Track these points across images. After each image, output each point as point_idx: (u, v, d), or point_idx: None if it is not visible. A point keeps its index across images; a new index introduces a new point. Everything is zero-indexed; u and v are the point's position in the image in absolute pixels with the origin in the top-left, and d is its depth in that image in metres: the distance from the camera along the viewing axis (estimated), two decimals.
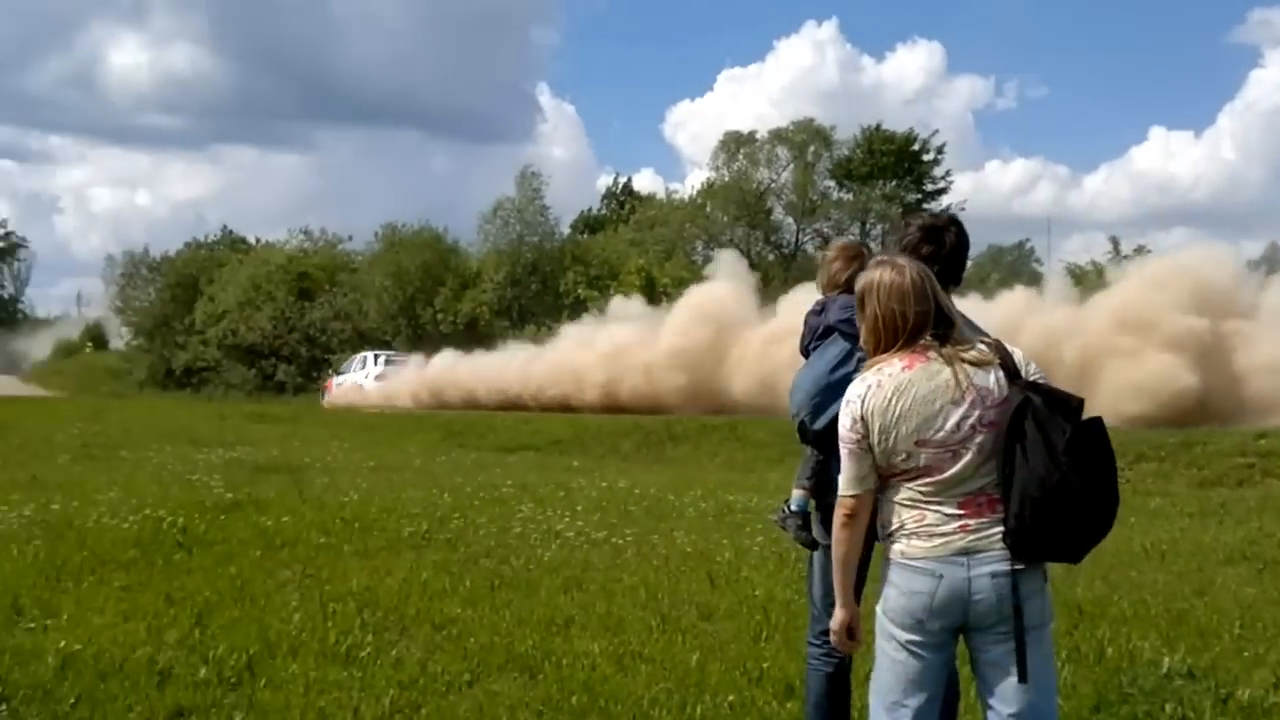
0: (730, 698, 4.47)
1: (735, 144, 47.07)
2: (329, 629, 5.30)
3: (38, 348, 73.51)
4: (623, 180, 60.26)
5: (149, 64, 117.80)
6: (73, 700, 4.18)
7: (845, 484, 2.72)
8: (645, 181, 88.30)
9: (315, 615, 5.55)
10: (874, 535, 2.82)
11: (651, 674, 4.81)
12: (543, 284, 41.84)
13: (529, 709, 4.37)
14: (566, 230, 48.66)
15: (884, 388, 2.65)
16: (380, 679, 4.63)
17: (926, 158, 47.37)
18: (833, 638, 2.88)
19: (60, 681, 4.39)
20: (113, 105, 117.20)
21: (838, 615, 2.83)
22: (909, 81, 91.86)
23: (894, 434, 2.63)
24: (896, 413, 2.62)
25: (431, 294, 41.32)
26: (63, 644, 4.82)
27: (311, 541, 7.52)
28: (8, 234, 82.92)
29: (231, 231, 60.14)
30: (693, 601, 6.15)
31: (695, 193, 48.62)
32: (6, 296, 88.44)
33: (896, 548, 2.69)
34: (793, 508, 3.63)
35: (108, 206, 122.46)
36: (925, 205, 44.17)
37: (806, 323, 3.69)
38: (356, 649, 5.00)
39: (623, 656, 5.05)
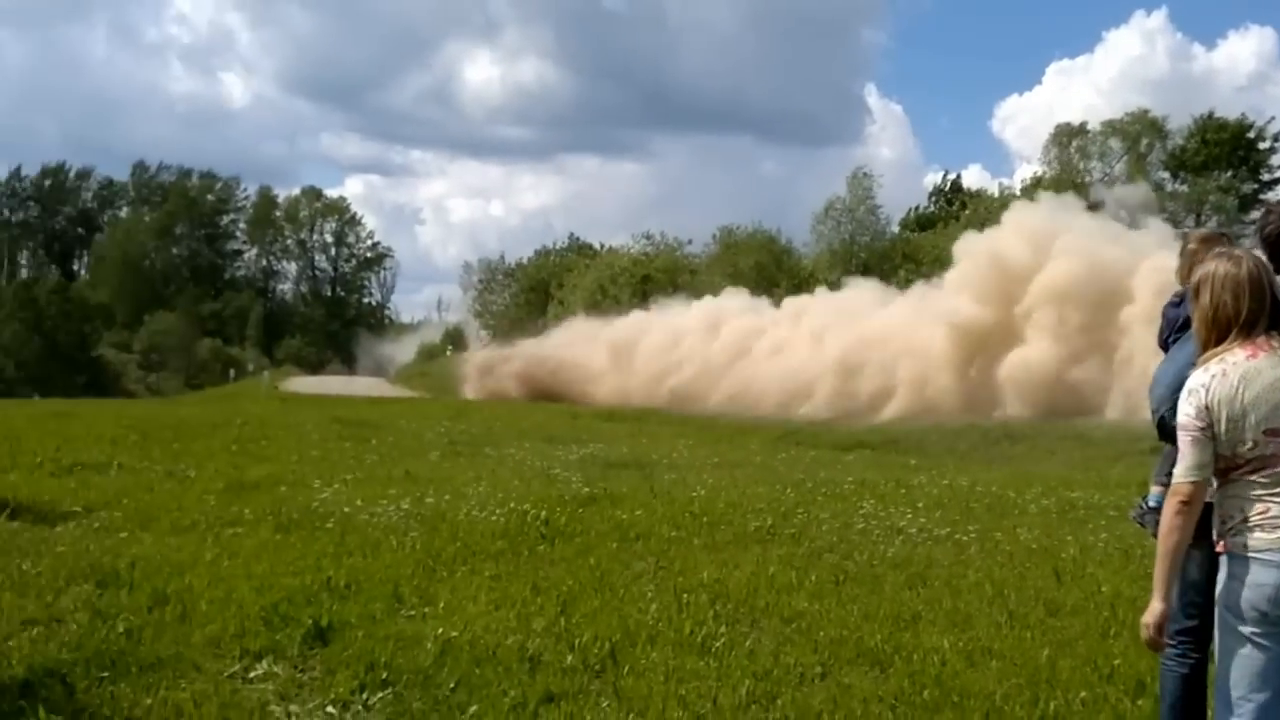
0: (1082, 694, 4.38)
1: (1067, 136, 46.20)
2: (684, 620, 5.51)
3: (402, 351, 77.67)
4: (950, 177, 58.64)
5: (500, 78, 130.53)
6: (452, 685, 4.46)
7: (1183, 471, 2.70)
8: (973, 178, 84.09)
9: (670, 606, 5.79)
10: None
11: (1002, 670, 4.75)
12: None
13: (882, 702, 4.36)
14: (896, 229, 47.96)
15: (1229, 376, 2.64)
16: (736, 669, 4.74)
17: (1262, 146, 44.50)
18: (1144, 631, 2.86)
19: (440, 667, 4.68)
20: (468, 119, 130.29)
21: (1154, 608, 2.79)
22: (1241, 68, 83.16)
23: (1241, 423, 2.63)
24: (1244, 401, 2.63)
25: (767, 294, 42.17)
26: (440, 631, 5.17)
27: (663, 535, 7.87)
28: (375, 244, 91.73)
29: (578, 238, 65.36)
30: (1040, 598, 6.07)
31: (1024, 187, 46.66)
32: (374, 304, 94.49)
33: (1238, 540, 2.69)
34: (1151, 504, 3.63)
35: (464, 217, 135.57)
36: (1262, 196, 42.26)
37: (1164, 315, 3.63)
38: (711, 639, 5.16)
39: (972, 652, 5.02)
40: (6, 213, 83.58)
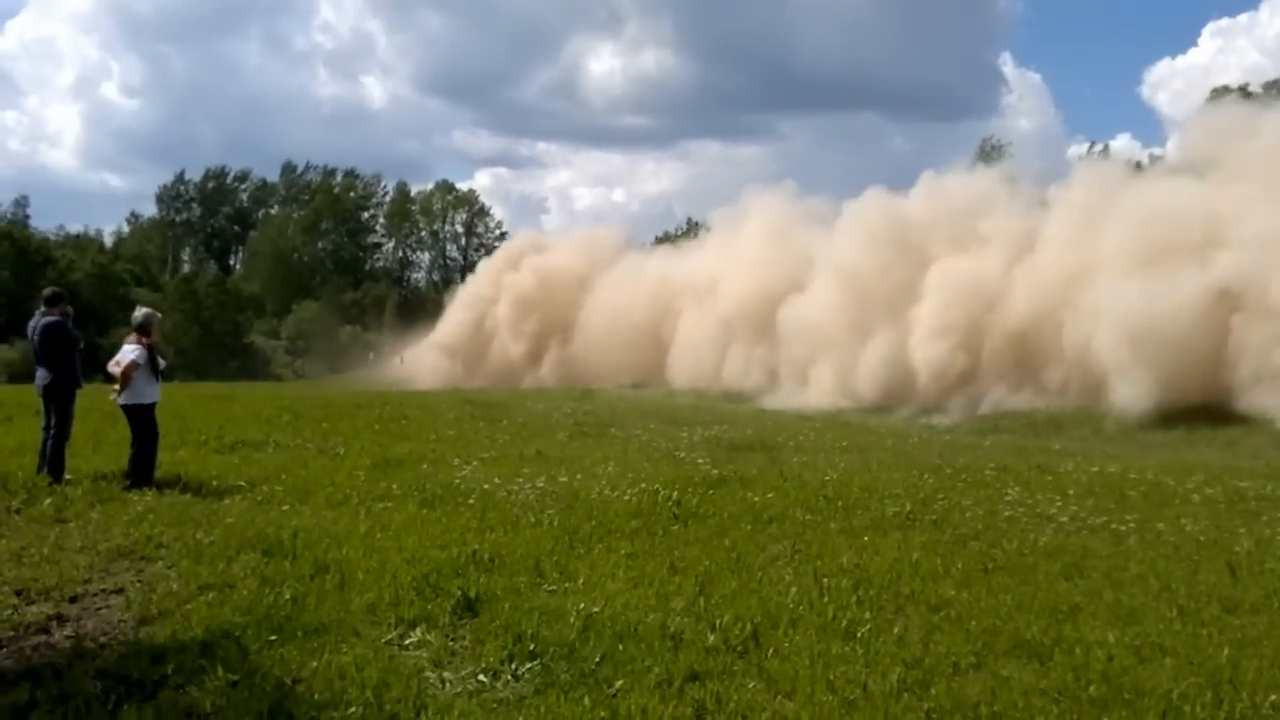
0: (1272, 697, 4.08)
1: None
2: (825, 604, 5.37)
3: None
4: (1098, 148, 55.46)
5: (622, 69, 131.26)
6: (597, 659, 4.49)
7: None
8: (1121, 147, 79.12)
9: (810, 590, 5.65)
10: None
11: (1177, 668, 4.48)
12: None
13: (1044, 695, 4.14)
14: None
15: None
16: (884, 656, 4.58)
17: None
18: None
19: (584, 641, 4.73)
20: (592, 110, 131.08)
21: None
22: None
23: None
24: None
25: None
26: (582, 606, 5.23)
27: (797, 518, 7.73)
28: (503, 234, 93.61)
29: (697, 223, 65.04)
30: (1213, 594, 5.70)
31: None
32: None
33: None
34: None
35: (588, 204, 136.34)
36: None
37: None
38: (855, 625, 5.01)
39: (1140, 647, 4.75)
40: (171, 213, 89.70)
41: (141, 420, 8.91)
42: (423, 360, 46.60)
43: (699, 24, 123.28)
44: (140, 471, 8.74)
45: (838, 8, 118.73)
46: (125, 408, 8.93)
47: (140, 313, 9.19)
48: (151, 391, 9.05)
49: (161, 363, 9.24)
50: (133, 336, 9.02)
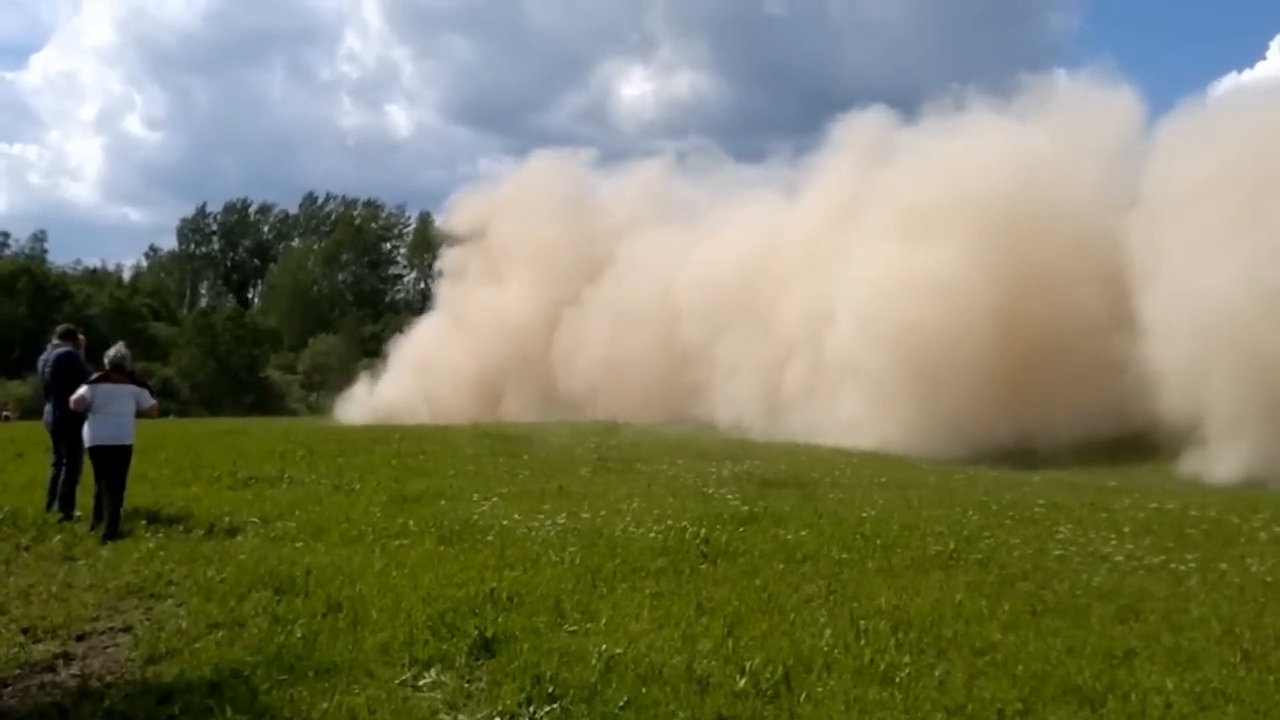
0: None
1: None
2: (862, 647, 5.28)
3: None
4: None
5: (654, 93, 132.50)
6: (620, 703, 4.44)
7: None
8: None
9: (846, 632, 5.57)
10: None
11: (1240, 716, 4.42)
12: None
13: None
14: None
15: None
16: (925, 701, 4.49)
17: None
18: None
19: (605, 684, 4.67)
20: (623, 135, 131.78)
21: None
22: None
23: None
24: None
25: None
26: (604, 647, 5.17)
27: (832, 557, 7.64)
28: None
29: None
30: None
31: None
32: None
33: None
34: None
35: None
36: None
37: None
38: (894, 669, 4.92)
39: (1201, 694, 4.65)
40: (192, 246, 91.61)
41: (125, 463, 8.63)
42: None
43: (734, 46, 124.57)
44: (117, 521, 8.41)
45: (877, 27, 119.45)
46: (117, 449, 8.57)
47: (116, 351, 8.87)
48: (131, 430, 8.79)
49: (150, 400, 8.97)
50: (106, 373, 8.64)
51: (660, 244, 32.53)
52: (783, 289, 27.09)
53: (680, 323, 29.79)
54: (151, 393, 9.09)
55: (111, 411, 8.55)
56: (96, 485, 8.59)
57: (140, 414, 8.87)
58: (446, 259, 43.31)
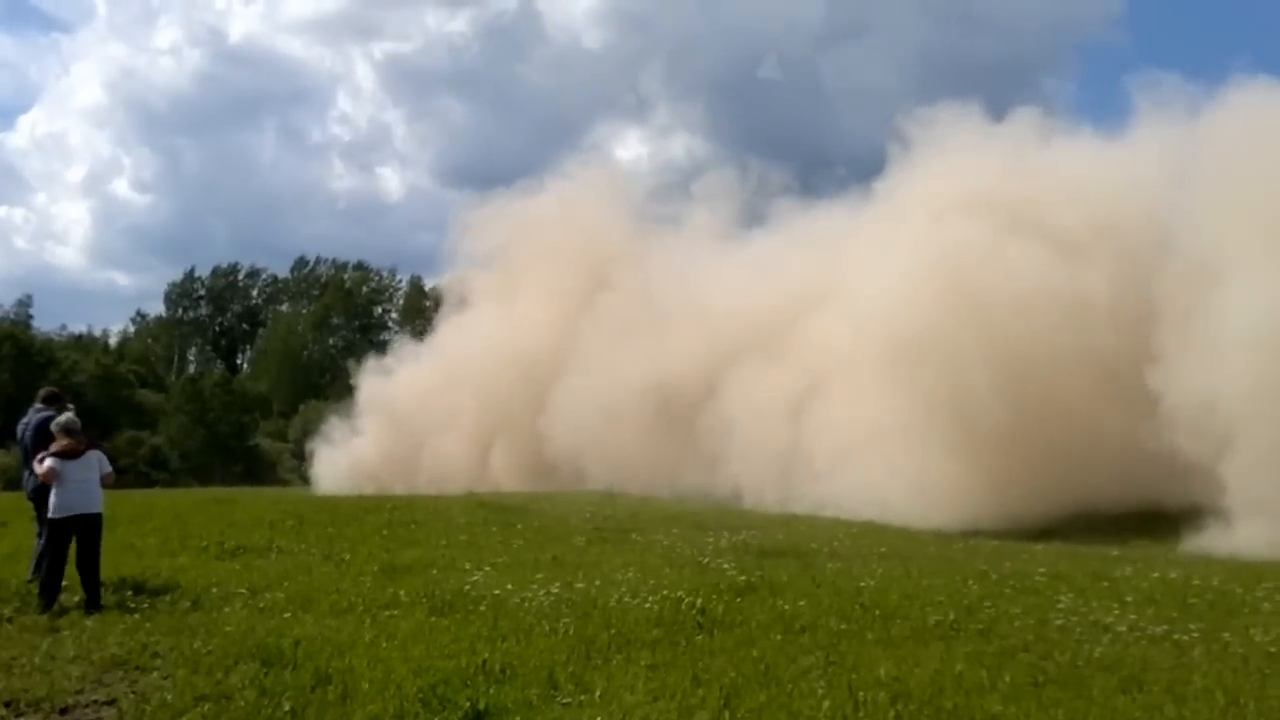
0: None
1: None
2: (861, 719, 5.28)
3: None
4: None
5: (649, 157, 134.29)
6: None
7: None
8: None
9: (844, 704, 5.57)
10: None
11: None
12: None
13: None
14: None
15: None
16: None
17: None
18: None
19: None
20: None
21: None
22: None
23: None
24: None
25: None
26: None
27: (831, 627, 7.63)
28: None
29: None
30: None
31: None
32: None
33: None
34: None
35: None
36: None
37: None
38: None
39: None
40: (180, 312, 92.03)
41: (99, 531, 8.55)
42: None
43: (731, 110, 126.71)
44: (98, 591, 8.36)
45: (874, 92, 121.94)
46: (91, 517, 8.46)
47: (69, 418, 8.82)
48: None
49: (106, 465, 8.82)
50: (69, 441, 8.55)
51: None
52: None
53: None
54: (110, 459, 8.95)
55: (80, 479, 8.46)
56: (54, 557, 8.35)
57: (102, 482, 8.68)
58: (449, 285, 40.73)
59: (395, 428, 35.00)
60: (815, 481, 21.53)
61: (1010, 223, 20.24)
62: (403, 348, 42.55)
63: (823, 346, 23.24)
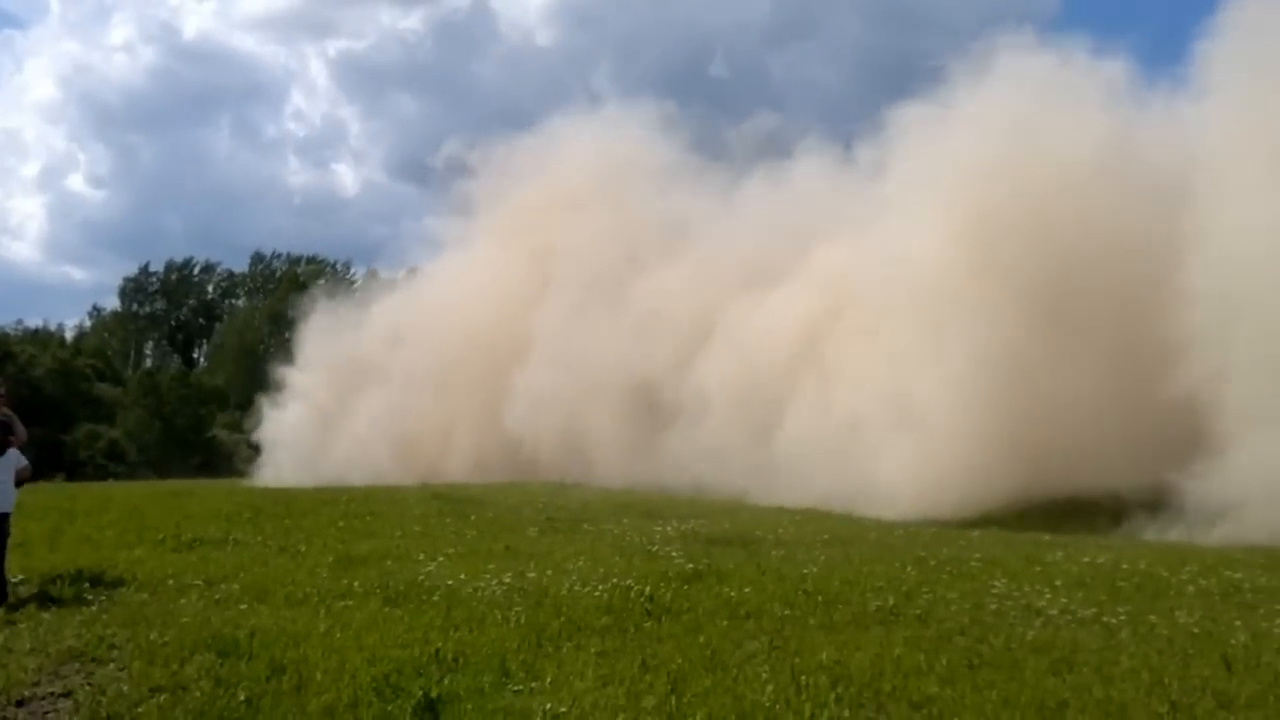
0: None
1: None
2: (803, 702, 5.36)
3: None
4: None
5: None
6: None
7: None
8: None
9: (787, 688, 5.63)
10: None
11: None
12: None
13: None
14: None
15: None
16: None
17: None
18: None
19: None
20: None
21: None
22: None
23: None
24: None
25: None
26: (549, 706, 5.21)
27: (775, 613, 7.70)
28: None
29: None
30: (1207, 688, 5.69)
31: None
32: None
33: None
34: None
35: None
36: None
37: None
38: None
39: None
40: (135, 307, 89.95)
41: (7, 532, 8.27)
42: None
43: (679, 105, 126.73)
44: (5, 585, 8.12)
45: (826, 91, 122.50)
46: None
47: None
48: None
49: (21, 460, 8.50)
50: None
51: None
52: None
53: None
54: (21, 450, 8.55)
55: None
56: None
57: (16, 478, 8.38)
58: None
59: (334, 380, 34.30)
60: (773, 475, 21.47)
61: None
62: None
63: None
